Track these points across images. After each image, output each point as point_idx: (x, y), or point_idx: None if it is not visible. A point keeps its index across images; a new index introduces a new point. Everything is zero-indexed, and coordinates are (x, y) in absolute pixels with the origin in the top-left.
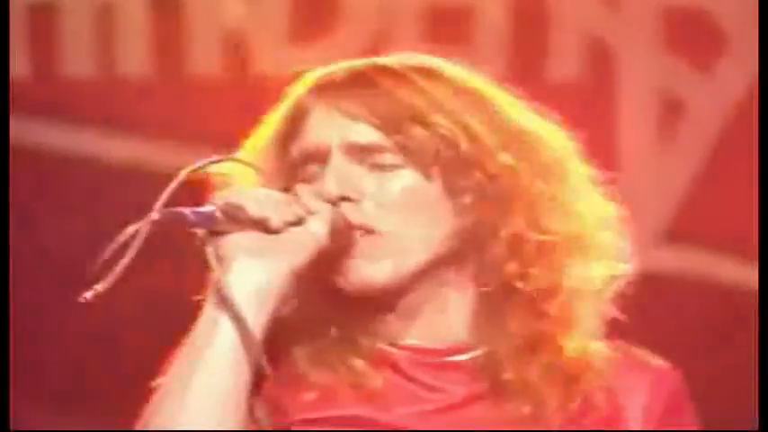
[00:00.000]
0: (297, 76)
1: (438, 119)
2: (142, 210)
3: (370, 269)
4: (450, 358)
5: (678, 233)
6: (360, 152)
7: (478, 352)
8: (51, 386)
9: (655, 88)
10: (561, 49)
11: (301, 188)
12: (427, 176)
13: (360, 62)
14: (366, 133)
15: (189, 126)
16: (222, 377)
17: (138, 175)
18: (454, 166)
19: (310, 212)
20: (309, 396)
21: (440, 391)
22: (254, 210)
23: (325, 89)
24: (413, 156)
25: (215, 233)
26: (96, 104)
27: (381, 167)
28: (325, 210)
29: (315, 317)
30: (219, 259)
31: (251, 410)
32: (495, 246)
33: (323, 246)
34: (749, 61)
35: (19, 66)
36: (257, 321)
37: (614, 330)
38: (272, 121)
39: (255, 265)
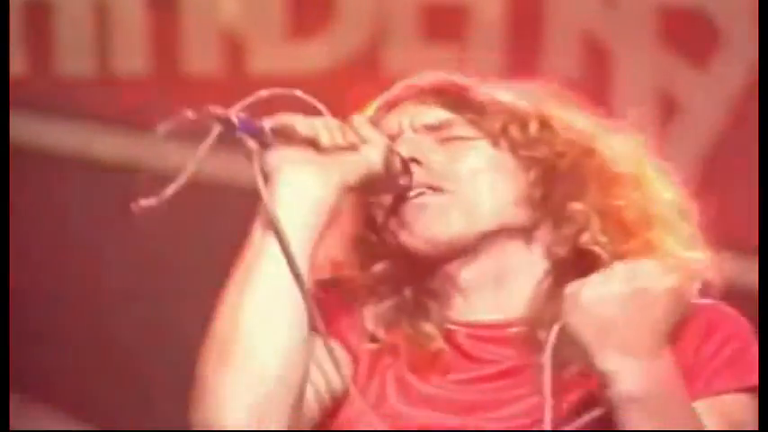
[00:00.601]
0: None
1: (514, 102)
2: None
3: (437, 224)
4: (504, 332)
5: None
6: (431, 129)
7: (526, 328)
8: (51, 386)
9: (651, 86)
10: (557, 46)
11: (357, 118)
12: (496, 146)
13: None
14: (438, 114)
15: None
16: (273, 301)
17: (134, 173)
18: (522, 141)
19: (364, 141)
20: (371, 347)
21: (485, 361)
22: (304, 128)
23: (408, 89)
24: (483, 128)
25: (264, 150)
26: (93, 102)
27: (452, 139)
28: (380, 139)
29: (386, 279)
30: (267, 175)
31: (327, 343)
32: (564, 220)
33: (375, 173)
34: (745, 58)
35: (16, 64)
36: (306, 233)
37: None
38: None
39: (304, 175)
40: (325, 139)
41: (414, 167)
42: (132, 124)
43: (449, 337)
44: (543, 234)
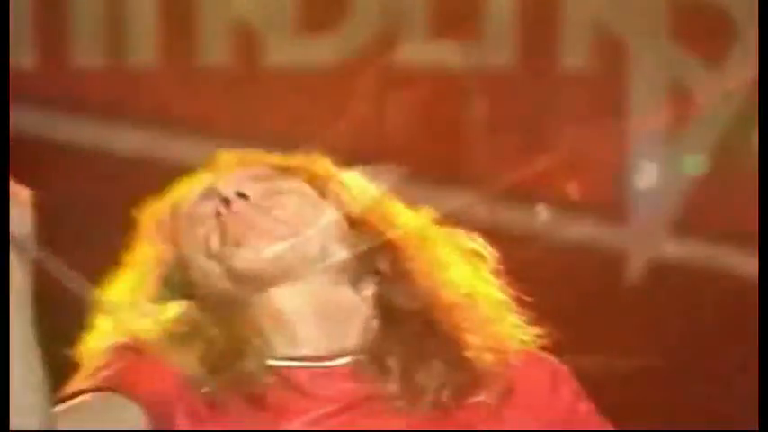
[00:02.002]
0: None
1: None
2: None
3: (261, 247)
4: (332, 363)
5: (687, 224)
6: (255, 179)
7: (362, 356)
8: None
9: (665, 80)
10: (571, 40)
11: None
12: (322, 196)
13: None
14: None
15: (197, 116)
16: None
17: (145, 166)
18: (349, 207)
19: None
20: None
21: (323, 397)
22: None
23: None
24: (308, 179)
25: None
26: (104, 95)
27: (279, 191)
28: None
29: (207, 320)
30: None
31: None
32: (397, 275)
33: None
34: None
35: (27, 55)
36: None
37: (621, 318)
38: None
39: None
40: None
41: (238, 201)
42: (145, 117)
43: (278, 374)
44: (368, 280)
